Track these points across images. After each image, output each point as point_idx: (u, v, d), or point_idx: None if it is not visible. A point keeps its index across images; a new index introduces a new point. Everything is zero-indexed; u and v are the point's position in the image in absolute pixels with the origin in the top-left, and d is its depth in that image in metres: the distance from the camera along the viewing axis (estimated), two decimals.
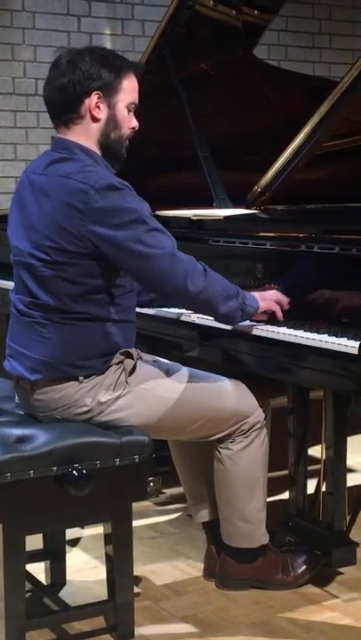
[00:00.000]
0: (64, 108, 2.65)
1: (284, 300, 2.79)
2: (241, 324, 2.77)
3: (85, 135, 2.66)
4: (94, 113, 2.64)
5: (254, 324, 2.77)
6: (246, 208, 3.34)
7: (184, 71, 3.79)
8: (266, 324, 2.76)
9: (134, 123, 2.71)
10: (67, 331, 2.62)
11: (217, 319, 2.76)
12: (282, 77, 4.23)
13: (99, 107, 2.64)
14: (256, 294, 2.77)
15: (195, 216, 3.26)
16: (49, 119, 2.71)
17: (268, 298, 2.78)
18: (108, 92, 2.64)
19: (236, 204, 3.48)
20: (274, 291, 2.81)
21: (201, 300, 2.67)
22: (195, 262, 2.66)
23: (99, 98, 2.64)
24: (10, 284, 3.88)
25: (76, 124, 2.66)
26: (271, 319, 2.77)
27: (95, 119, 2.65)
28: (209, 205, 3.52)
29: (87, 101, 2.63)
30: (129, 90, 2.68)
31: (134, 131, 2.72)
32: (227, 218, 3.24)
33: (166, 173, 4.01)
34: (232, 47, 4.02)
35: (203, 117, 3.73)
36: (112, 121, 2.66)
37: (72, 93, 2.63)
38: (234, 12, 3.92)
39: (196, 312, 2.88)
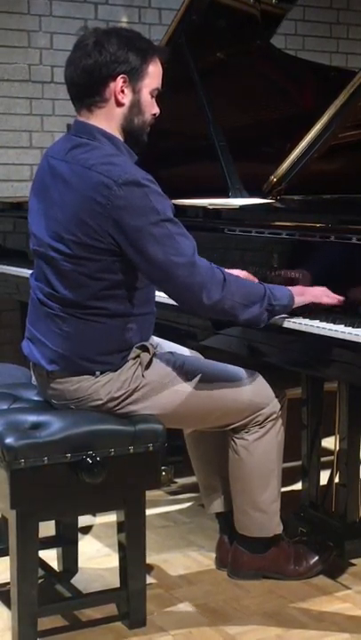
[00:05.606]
0: (88, 90, 2.57)
1: (326, 298, 2.67)
2: None
3: (108, 119, 2.59)
4: (119, 97, 2.57)
5: None
6: (262, 198, 3.33)
7: (201, 60, 3.77)
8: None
9: (156, 109, 2.65)
10: (86, 326, 2.58)
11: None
12: (299, 67, 4.21)
13: (123, 91, 2.57)
14: (295, 289, 2.69)
15: (211, 205, 3.25)
16: (65, 107, 2.69)
17: (309, 293, 2.69)
18: (134, 76, 2.57)
19: (251, 195, 3.47)
20: (322, 288, 2.69)
21: (216, 310, 2.61)
22: (213, 271, 2.57)
23: (124, 82, 2.56)
24: (24, 272, 3.92)
25: (100, 108, 2.58)
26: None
27: (119, 103, 2.58)
28: (225, 195, 3.51)
29: (112, 85, 2.56)
30: (154, 75, 2.61)
31: (155, 117, 2.65)
32: (243, 207, 3.23)
33: (182, 163, 3.99)
34: (249, 36, 4.00)
35: (219, 107, 3.71)
36: (136, 106, 2.59)
37: (97, 76, 2.55)
38: (252, 0, 3.90)
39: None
